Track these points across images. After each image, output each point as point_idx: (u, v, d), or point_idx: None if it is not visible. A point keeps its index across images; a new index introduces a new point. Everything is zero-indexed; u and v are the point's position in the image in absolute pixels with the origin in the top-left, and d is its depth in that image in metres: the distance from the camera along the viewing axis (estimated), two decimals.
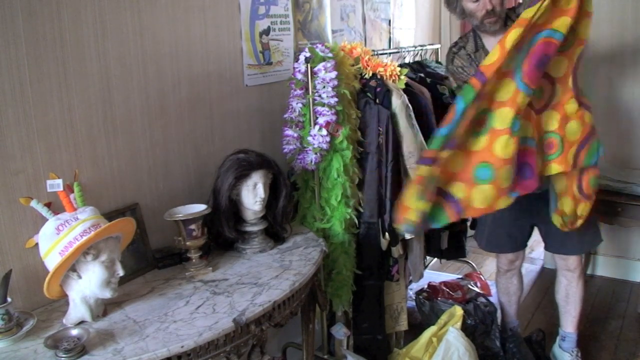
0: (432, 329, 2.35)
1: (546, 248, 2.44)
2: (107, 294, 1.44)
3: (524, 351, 2.46)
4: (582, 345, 2.49)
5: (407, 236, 2.29)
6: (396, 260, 2.35)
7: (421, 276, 2.51)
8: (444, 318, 2.40)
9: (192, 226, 1.73)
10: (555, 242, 2.37)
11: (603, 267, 3.38)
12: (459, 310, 2.40)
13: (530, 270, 3.52)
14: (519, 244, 2.45)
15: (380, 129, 2.17)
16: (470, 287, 2.95)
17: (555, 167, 1.95)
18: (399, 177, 2.23)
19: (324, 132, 2.03)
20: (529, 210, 2.26)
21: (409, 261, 2.46)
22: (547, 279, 3.27)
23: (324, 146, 2.05)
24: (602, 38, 3.13)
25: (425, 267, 3.16)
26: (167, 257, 1.81)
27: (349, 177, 2.14)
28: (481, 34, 2.14)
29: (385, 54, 2.70)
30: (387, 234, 2.22)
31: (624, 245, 3.32)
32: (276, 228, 1.97)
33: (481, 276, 3.15)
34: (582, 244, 2.34)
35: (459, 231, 2.79)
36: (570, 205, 2.08)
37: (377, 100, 2.20)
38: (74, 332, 1.34)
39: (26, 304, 1.50)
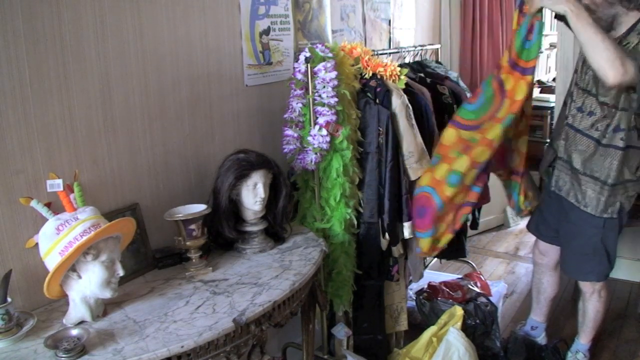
0: (432, 329, 2.35)
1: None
2: (107, 294, 1.44)
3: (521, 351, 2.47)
4: None
5: (407, 236, 2.29)
6: (396, 260, 2.35)
7: (421, 276, 2.52)
8: (444, 318, 2.40)
9: (192, 226, 1.73)
10: (561, 257, 2.41)
11: None
12: (459, 311, 2.40)
13: (531, 271, 3.51)
14: (550, 236, 2.45)
15: (380, 129, 2.17)
16: (470, 287, 2.95)
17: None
18: (399, 177, 2.23)
19: (324, 132, 2.03)
20: (558, 211, 2.33)
21: (409, 261, 2.46)
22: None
23: (324, 146, 2.05)
24: None
25: (425, 267, 3.16)
26: (167, 257, 1.81)
27: (348, 177, 2.14)
28: None
29: (385, 54, 2.70)
30: (387, 234, 2.22)
31: (624, 246, 3.31)
32: (276, 228, 1.96)
33: (481, 276, 3.15)
34: (578, 271, 2.34)
35: (459, 231, 2.79)
36: (441, 231, 2.28)
37: (377, 100, 2.20)
38: (74, 332, 1.35)
39: (26, 304, 1.50)
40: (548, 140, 2.41)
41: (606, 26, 1.97)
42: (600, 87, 2.04)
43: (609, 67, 1.82)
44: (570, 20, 1.85)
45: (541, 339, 2.65)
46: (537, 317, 2.66)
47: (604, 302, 2.37)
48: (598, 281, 2.29)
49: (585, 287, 2.35)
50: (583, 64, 2.13)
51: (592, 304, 2.37)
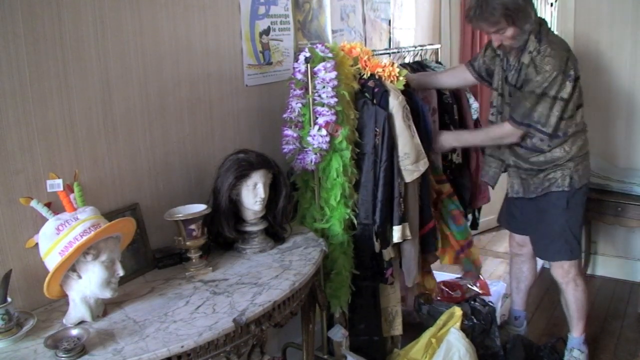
0: (431, 330, 2.35)
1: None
2: (107, 294, 1.44)
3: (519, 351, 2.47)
4: None
5: (396, 240, 2.27)
6: (390, 263, 2.32)
7: (416, 279, 2.47)
8: (443, 318, 2.40)
9: (192, 226, 1.73)
10: (532, 243, 2.53)
11: (603, 267, 3.38)
12: (458, 311, 2.39)
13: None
14: (520, 229, 2.58)
15: (377, 130, 2.16)
16: (470, 286, 2.95)
17: None
18: (391, 178, 2.21)
19: (324, 132, 2.03)
20: (522, 206, 2.47)
21: (403, 264, 2.43)
22: (547, 279, 3.27)
23: (324, 146, 2.04)
24: (602, 42, 3.15)
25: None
26: (167, 257, 1.82)
27: (347, 178, 2.13)
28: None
29: (386, 54, 2.69)
30: (377, 236, 2.20)
31: (624, 245, 3.32)
32: (276, 228, 1.97)
33: (480, 276, 3.15)
34: (547, 252, 2.45)
35: None
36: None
37: (375, 101, 2.19)
38: (74, 332, 1.35)
39: (26, 304, 1.50)
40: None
41: (519, 50, 2.23)
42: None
43: (504, 140, 2.34)
44: (461, 145, 2.57)
45: (523, 328, 2.77)
46: (519, 307, 2.79)
47: (583, 291, 2.43)
48: (569, 260, 2.37)
49: (558, 275, 2.42)
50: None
51: (570, 294, 2.43)
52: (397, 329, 2.47)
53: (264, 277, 1.70)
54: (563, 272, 2.40)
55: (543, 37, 2.16)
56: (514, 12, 2.07)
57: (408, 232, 2.28)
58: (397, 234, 2.24)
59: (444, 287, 2.91)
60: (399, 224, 2.23)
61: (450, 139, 2.47)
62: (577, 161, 2.29)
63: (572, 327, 2.51)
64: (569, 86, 2.15)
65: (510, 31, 2.13)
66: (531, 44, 2.15)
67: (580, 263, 2.44)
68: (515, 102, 2.25)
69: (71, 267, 1.40)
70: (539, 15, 2.24)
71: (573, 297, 2.43)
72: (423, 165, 2.27)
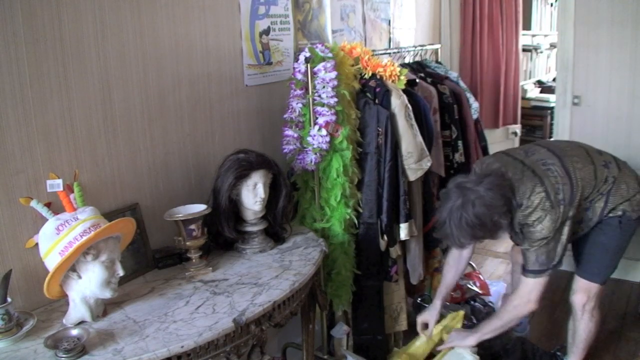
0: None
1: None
2: (107, 294, 1.44)
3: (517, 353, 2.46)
4: None
5: (403, 237, 2.28)
6: (395, 260, 2.34)
7: (420, 277, 2.50)
8: (447, 319, 2.40)
9: (192, 226, 1.73)
10: (575, 254, 2.32)
11: None
12: (459, 312, 2.39)
13: None
14: None
15: (380, 130, 2.17)
16: (470, 286, 2.95)
17: None
18: (397, 177, 2.23)
19: (324, 132, 2.03)
20: None
21: (408, 262, 2.45)
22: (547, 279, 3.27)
23: (324, 146, 2.05)
24: (602, 42, 3.16)
25: None
26: (167, 257, 1.82)
27: (348, 178, 2.14)
28: None
29: (386, 54, 2.70)
30: (384, 235, 2.21)
31: None
32: (276, 228, 1.97)
33: (480, 276, 3.15)
34: (588, 271, 2.22)
35: None
36: None
37: (377, 101, 2.20)
38: (74, 332, 1.35)
39: (26, 304, 1.50)
40: None
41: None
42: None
43: (525, 312, 2.12)
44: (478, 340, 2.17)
45: (526, 333, 2.70)
46: None
47: (596, 323, 2.27)
48: (600, 284, 2.20)
49: (579, 302, 2.24)
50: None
51: (583, 323, 2.26)
52: (402, 324, 2.48)
53: (264, 277, 1.70)
54: (587, 299, 2.21)
55: (522, 204, 1.94)
56: (485, 233, 1.90)
57: (415, 229, 2.30)
58: (404, 231, 2.27)
59: None
60: (406, 221, 2.25)
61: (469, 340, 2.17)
62: (630, 199, 2.11)
63: (571, 355, 2.36)
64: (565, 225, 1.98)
65: (485, 239, 2.01)
66: (516, 220, 1.97)
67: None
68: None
69: (71, 267, 1.40)
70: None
71: (585, 327, 2.25)
72: (426, 163, 2.27)
